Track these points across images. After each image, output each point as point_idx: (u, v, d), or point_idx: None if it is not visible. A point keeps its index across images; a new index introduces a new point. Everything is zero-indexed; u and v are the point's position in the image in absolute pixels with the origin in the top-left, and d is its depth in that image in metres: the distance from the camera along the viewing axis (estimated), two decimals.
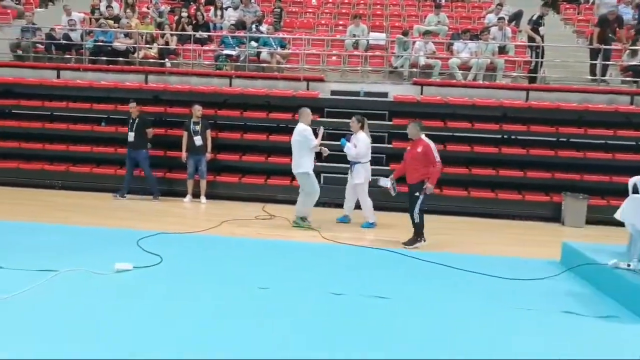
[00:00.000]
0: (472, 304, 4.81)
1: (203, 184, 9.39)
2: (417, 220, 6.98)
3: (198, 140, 9.21)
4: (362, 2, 14.83)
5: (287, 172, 9.85)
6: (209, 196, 9.44)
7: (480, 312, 4.63)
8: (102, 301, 4.42)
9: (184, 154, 9.29)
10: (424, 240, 6.96)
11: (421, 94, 10.60)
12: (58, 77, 11.24)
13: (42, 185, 10.02)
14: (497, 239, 7.73)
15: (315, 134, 7.82)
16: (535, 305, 4.82)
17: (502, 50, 11.64)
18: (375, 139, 9.94)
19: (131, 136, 9.22)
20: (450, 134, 10.05)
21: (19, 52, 11.94)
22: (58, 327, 3.86)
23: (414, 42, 11.63)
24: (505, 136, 10.06)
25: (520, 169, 9.57)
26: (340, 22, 13.64)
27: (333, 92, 10.74)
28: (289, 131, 10.06)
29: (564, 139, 9.87)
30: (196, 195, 9.39)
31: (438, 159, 6.87)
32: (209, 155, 9.37)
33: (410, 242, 6.94)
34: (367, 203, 8.20)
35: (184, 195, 9.42)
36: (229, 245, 6.54)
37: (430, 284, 5.36)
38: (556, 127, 9.73)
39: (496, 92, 10.46)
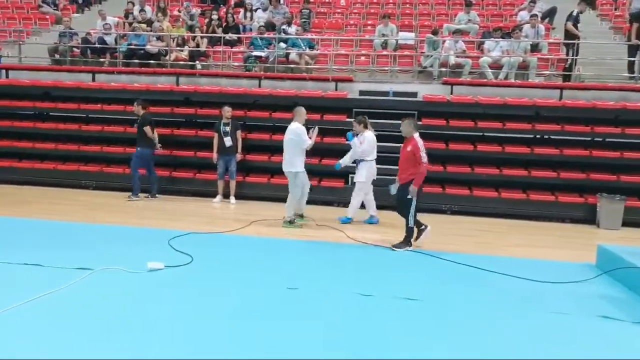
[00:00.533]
0: (505, 307, 4.72)
1: (233, 185, 9.51)
2: (410, 224, 6.69)
3: (228, 141, 9.33)
4: (391, 1, 14.72)
5: (314, 172, 9.90)
6: (238, 196, 9.55)
7: (513, 315, 4.55)
8: (136, 299, 4.52)
9: (214, 155, 9.42)
10: (410, 247, 6.66)
11: (451, 93, 10.47)
12: (93, 80, 11.57)
13: (78, 185, 10.33)
14: (529, 241, 7.56)
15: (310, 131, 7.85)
16: (570, 310, 4.71)
17: (535, 48, 11.39)
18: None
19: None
20: (481, 134, 9.89)
21: (57, 56, 12.32)
22: (94, 323, 3.96)
23: (443, 41, 11.50)
24: (538, 136, 9.84)
25: (553, 170, 9.34)
26: (369, 22, 13.59)
27: (362, 93, 10.71)
28: (318, 132, 10.13)
29: (600, 139, 9.58)
30: (226, 195, 9.51)
31: (425, 159, 6.66)
32: (239, 156, 9.49)
33: (399, 246, 6.66)
34: (356, 201, 8.19)
35: (213, 195, 9.56)
36: (257, 245, 6.60)
37: (461, 286, 5.28)
38: (591, 126, 9.47)
39: (528, 91, 10.24)
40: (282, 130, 10.23)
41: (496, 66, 11.04)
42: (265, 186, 9.83)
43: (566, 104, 9.75)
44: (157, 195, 9.54)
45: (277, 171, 10.01)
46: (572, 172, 9.23)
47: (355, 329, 4.06)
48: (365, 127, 8.22)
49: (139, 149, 9.45)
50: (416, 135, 6.90)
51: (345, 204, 9.59)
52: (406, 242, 6.71)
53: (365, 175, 8.07)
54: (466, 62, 11.06)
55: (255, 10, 13.63)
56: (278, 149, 10.14)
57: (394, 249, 6.64)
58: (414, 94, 10.60)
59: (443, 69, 11.18)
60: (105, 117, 10.90)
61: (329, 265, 5.87)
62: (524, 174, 9.37)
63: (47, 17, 14.34)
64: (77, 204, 8.92)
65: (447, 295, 4.98)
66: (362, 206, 8.32)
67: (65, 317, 4.05)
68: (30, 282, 4.80)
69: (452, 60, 11.12)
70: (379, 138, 9.89)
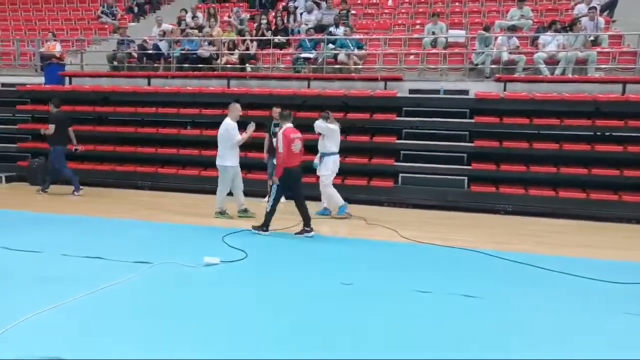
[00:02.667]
0: (573, 308, 4.49)
1: None
2: (267, 209, 6.94)
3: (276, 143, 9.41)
4: (439, 0, 14.50)
5: (363, 172, 9.87)
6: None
7: (583, 315, 4.32)
8: (194, 292, 4.61)
9: (265, 155, 9.53)
10: (266, 231, 6.93)
11: (504, 90, 10.17)
12: (149, 84, 11.99)
13: (134, 186, 10.71)
14: (592, 241, 7.20)
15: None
16: None
17: (594, 41, 10.89)
18: (455, 138, 9.72)
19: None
20: (537, 131, 9.54)
21: (115, 63, 12.86)
22: (154, 315, 4.07)
23: (495, 38, 11.20)
24: (599, 132, 9.40)
25: (616, 168, 8.89)
26: (418, 22, 13.42)
27: (411, 91, 10.58)
28: (367, 131, 10.12)
29: None
30: None
31: (281, 149, 6.77)
32: None
33: (257, 228, 6.97)
34: (328, 193, 8.23)
35: (263, 195, 9.65)
36: (309, 242, 6.61)
37: (523, 285, 5.09)
38: None
39: (587, 86, 9.81)
40: None
41: (552, 62, 10.63)
42: (315, 186, 9.82)
43: (630, 98, 9.26)
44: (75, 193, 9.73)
45: None
46: (636, 170, 8.75)
47: (416, 325, 3.97)
48: (327, 120, 8.28)
49: (57, 147, 9.70)
50: (288, 124, 7.06)
51: (396, 203, 9.53)
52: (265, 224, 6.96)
53: (331, 167, 8.15)
54: (520, 58, 10.72)
55: (301, 13, 13.74)
56: None
57: (253, 230, 6.95)
58: (466, 92, 10.37)
59: (495, 66, 10.89)
60: (160, 120, 11.25)
61: (382, 262, 5.80)
62: (584, 173, 8.96)
63: (106, 26, 15.00)
64: (134, 203, 9.24)
65: (508, 293, 4.80)
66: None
67: (127, 307, 4.18)
68: (93, 274, 4.99)
69: (505, 56, 10.81)
70: (430, 137, 9.79)
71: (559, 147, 9.15)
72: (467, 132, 9.78)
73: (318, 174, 8.33)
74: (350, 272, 5.32)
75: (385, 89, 10.76)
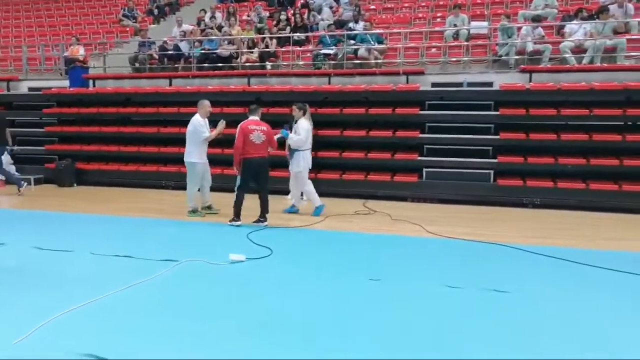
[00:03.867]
0: (610, 304, 4.34)
1: None
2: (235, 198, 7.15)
3: None
4: None
5: (387, 168, 9.77)
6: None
7: (622, 311, 4.17)
8: (221, 289, 4.60)
9: (287, 152, 9.49)
10: (238, 221, 7.13)
11: (530, 81, 9.94)
12: (170, 85, 12.08)
13: (158, 185, 10.80)
14: (627, 234, 6.98)
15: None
16: None
17: (624, 29, 10.55)
18: (480, 131, 9.55)
19: None
20: (564, 122, 9.30)
21: (137, 64, 13.00)
22: (182, 312, 4.06)
23: (519, 28, 10.95)
24: (630, 122, 9.11)
25: None
26: (439, 14, 13.24)
27: (434, 85, 10.44)
28: (389, 125, 10.00)
29: None
30: None
31: (237, 142, 7.00)
32: None
33: (231, 220, 7.20)
34: (309, 189, 8.08)
35: (286, 193, 9.63)
36: (334, 239, 6.55)
37: (555, 280, 4.93)
38: None
39: (618, 75, 9.52)
40: (354, 125, 10.24)
41: (579, 50, 10.35)
42: (338, 182, 9.79)
43: None
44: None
45: (349, 166, 10.01)
46: None
47: (448, 322, 3.87)
48: (304, 114, 8.11)
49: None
50: (252, 117, 7.28)
51: (420, 198, 9.41)
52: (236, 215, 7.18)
53: (302, 164, 7.97)
54: (546, 47, 10.46)
55: (319, 11, 13.67)
56: (349, 145, 10.15)
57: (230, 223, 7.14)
58: (490, 84, 10.19)
59: (520, 57, 10.65)
60: (182, 120, 11.28)
61: (409, 258, 5.70)
62: (615, 164, 8.70)
63: (127, 29, 15.19)
64: (160, 202, 9.31)
65: (540, 289, 4.66)
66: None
67: (156, 304, 4.18)
68: (123, 272, 5.02)
69: (530, 47, 10.56)
70: (454, 130, 9.63)
71: (589, 137, 8.90)
72: (492, 125, 9.58)
73: (290, 169, 8.21)
74: (377, 268, 5.24)
75: (408, 83, 10.62)
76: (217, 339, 3.53)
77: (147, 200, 9.57)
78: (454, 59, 11.43)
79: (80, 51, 13.30)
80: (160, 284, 4.66)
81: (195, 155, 7.79)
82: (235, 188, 7.32)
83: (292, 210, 8.32)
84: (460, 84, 10.23)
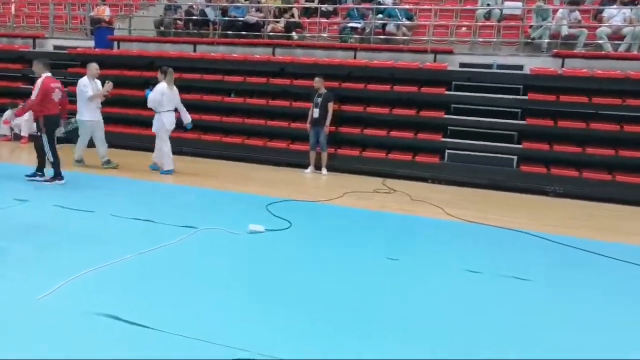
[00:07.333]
0: (629, 298, 4.27)
1: (324, 156, 9.50)
2: (50, 159, 7.20)
3: (316, 113, 9.31)
4: None
5: (408, 147, 9.66)
6: (330, 168, 9.53)
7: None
8: (239, 258, 4.62)
9: (308, 126, 9.44)
10: (61, 179, 7.24)
11: (562, 66, 9.65)
12: (194, 51, 11.98)
13: (179, 151, 10.74)
14: None
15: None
16: None
17: None
18: (507, 115, 9.35)
19: None
20: (595, 111, 9.03)
21: (162, 28, 12.89)
22: (199, 278, 4.09)
23: (555, 10, 10.58)
24: None
25: None
26: None
27: (462, 65, 10.19)
28: (413, 104, 9.85)
29: None
30: (318, 167, 9.53)
31: (34, 97, 7.03)
32: (326, 129, 9.36)
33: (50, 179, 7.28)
34: (163, 150, 8.54)
35: (305, 166, 9.61)
36: (352, 215, 6.51)
37: (575, 270, 4.86)
38: None
39: None
40: (378, 102, 10.08)
41: (616, 37, 9.99)
42: (358, 159, 9.71)
43: None
44: None
45: (370, 144, 9.92)
46: None
47: (470, 307, 3.83)
48: (164, 78, 8.54)
49: None
50: (45, 74, 7.24)
51: (440, 180, 9.30)
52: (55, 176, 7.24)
53: (156, 126, 8.54)
54: (581, 32, 10.11)
55: None
56: (372, 122, 10.02)
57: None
58: (520, 67, 9.92)
59: (553, 41, 10.32)
60: (204, 87, 11.24)
61: (428, 240, 5.66)
62: None
63: None
64: (179, 169, 9.31)
65: (560, 278, 4.60)
66: None
67: (172, 270, 4.20)
68: (143, 236, 5.07)
69: (565, 31, 10.21)
70: (480, 113, 9.44)
71: (620, 128, 8.66)
72: (519, 110, 9.37)
73: (153, 130, 8.71)
74: (396, 247, 5.21)
75: (435, 61, 10.39)
76: (234, 305, 3.55)
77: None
78: (484, 40, 11.11)
79: (106, 12, 13.23)
80: (175, 250, 4.69)
81: (84, 113, 8.54)
82: (46, 149, 7.27)
83: (154, 167, 8.82)
84: (489, 66, 9.97)
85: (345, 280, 4.22)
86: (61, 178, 7.24)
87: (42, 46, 13.57)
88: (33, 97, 7.06)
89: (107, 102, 11.81)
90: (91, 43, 12.84)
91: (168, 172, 8.54)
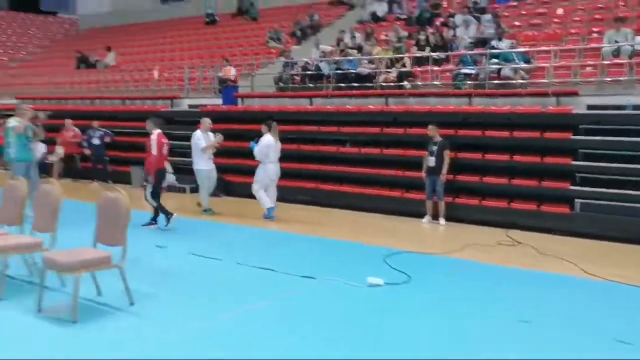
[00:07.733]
0: None
1: (441, 205, 9.25)
2: (154, 205, 8.02)
3: (431, 161, 9.16)
4: (622, 4, 12.91)
5: (532, 195, 9.11)
6: (448, 218, 9.24)
7: None
8: (357, 312, 4.63)
9: (423, 174, 9.35)
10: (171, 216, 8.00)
11: None
12: (311, 104, 12.59)
13: (293, 200, 11.13)
14: None
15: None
16: None
17: None
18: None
19: None
20: None
21: (281, 84, 13.79)
22: (320, 329, 4.15)
23: None
24: None
25: None
26: (595, 30, 12.10)
27: (590, 107, 9.52)
28: (535, 150, 9.33)
29: None
30: (435, 216, 9.31)
31: (154, 152, 7.88)
32: (442, 177, 9.15)
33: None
34: (259, 195, 9.10)
35: (422, 215, 9.45)
36: (475, 269, 6.24)
37: None
38: None
39: None
40: (496, 149, 9.71)
41: None
42: (477, 208, 9.34)
43: None
44: None
45: (490, 192, 9.50)
46: None
47: None
48: (270, 131, 8.98)
49: None
50: (156, 132, 8.08)
51: (567, 232, 8.58)
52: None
53: (261, 175, 9.02)
54: None
55: (455, 28, 13.33)
56: (491, 170, 9.64)
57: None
58: None
59: None
60: (321, 138, 11.65)
61: (564, 301, 5.17)
62: None
63: (273, 50, 16.22)
64: (296, 218, 9.65)
65: None
66: None
67: (292, 319, 4.34)
68: (263, 285, 5.32)
69: None
70: (612, 159, 8.67)
71: None
72: None
73: (255, 179, 9.21)
74: (526, 307, 4.86)
75: (558, 104, 9.83)
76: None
77: (287, 215, 9.84)
78: (613, 79, 10.31)
79: (231, 72, 14.48)
80: (296, 299, 4.84)
81: (198, 163, 9.21)
82: (152, 199, 8.12)
83: (266, 216, 9.18)
84: (621, 107, 9.20)
85: (473, 343, 4.01)
86: (155, 223, 8.07)
87: (178, 106, 15.14)
88: (154, 152, 7.97)
89: (233, 153, 12.70)
90: (219, 101, 14.08)
91: (270, 217, 9.07)
